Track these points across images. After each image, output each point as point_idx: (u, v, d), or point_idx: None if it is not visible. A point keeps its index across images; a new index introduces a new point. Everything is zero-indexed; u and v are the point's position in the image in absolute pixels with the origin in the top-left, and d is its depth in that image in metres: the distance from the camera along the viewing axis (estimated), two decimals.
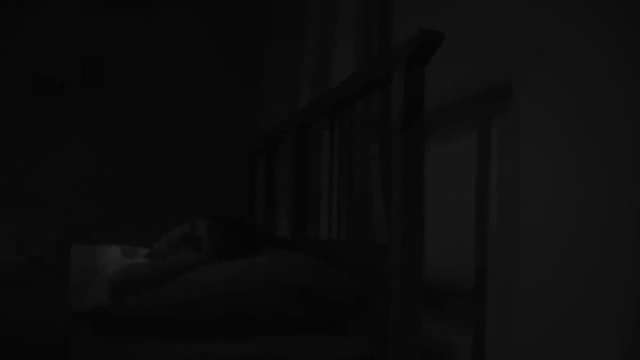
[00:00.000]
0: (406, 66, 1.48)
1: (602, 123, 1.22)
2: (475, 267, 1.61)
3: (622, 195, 1.16)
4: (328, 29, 2.49)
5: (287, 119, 2.67)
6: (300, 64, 2.80)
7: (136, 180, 3.33)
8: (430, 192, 1.67)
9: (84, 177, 3.28)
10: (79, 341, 1.52)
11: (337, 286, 1.78)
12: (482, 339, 1.58)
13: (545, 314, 1.36)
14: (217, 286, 1.71)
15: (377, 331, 1.64)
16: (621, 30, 1.19)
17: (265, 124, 3.38)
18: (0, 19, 3.24)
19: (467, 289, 1.63)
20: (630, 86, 1.16)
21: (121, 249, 2.24)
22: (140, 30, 3.38)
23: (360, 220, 2.11)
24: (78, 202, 3.20)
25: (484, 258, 1.58)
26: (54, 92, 3.29)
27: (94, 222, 2.89)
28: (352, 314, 1.75)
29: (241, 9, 3.56)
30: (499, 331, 1.52)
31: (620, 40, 1.19)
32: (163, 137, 3.40)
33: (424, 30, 1.45)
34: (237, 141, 3.49)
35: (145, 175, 3.35)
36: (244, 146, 3.46)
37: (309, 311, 1.72)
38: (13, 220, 1.95)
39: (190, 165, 3.42)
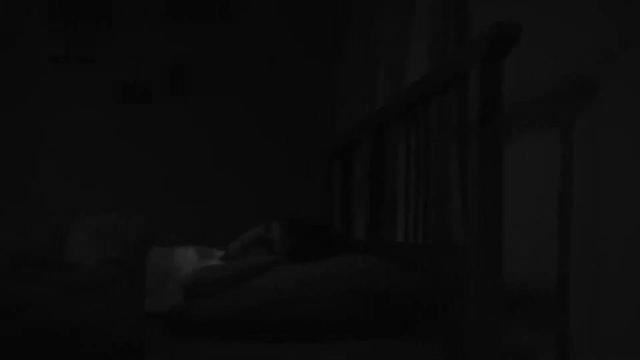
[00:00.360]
0: (481, 62, 1.42)
1: None
2: (558, 270, 1.53)
3: None
4: (404, 27, 2.44)
5: (362, 120, 2.64)
6: (377, 64, 2.76)
7: (214, 183, 3.39)
8: (509, 193, 1.60)
9: (165, 180, 3.36)
10: (152, 342, 1.54)
11: (411, 290, 1.73)
12: (565, 346, 1.49)
13: (635, 321, 1.27)
14: (289, 289, 1.70)
15: (453, 337, 1.58)
16: None
17: (342, 126, 3.36)
18: (90, 30, 3.36)
19: (549, 292, 1.55)
20: None
21: (197, 250, 2.26)
22: (222, 39, 3.46)
23: (437, 222, 2.05)
24: (159, 204, 3.28)
25: (566, 260, 1.50)
26: (142, 100, 3.39)
27: (173, 223, 2.95)
28: (426, 318, 1.69)
29: (318, 12, 3.57)
30: (583, 338, 1.43)
31: None
32: (241, 140, 3.44)
33: (500, 23, 1.38)
34: (315, 143, 3.49)
35: (223, 177, 3.40)
36: (321, 148, 3.46)
37: (382, 315, 1.68)
38: (94, 222, 2.01)
39: (268, 167, 3.45)
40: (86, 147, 3.34)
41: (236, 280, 1.83)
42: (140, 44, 3.39)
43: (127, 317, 1.51)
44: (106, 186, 3.31)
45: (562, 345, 1.51)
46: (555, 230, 1.55)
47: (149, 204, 3.22)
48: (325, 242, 2.11)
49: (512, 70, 1.53)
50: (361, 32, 3.13)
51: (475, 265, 1.42)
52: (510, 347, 1.64)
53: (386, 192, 2.44)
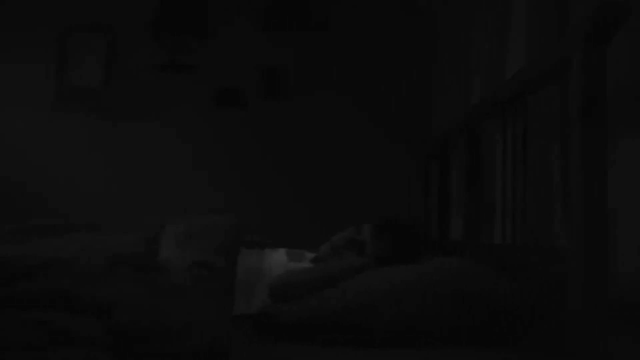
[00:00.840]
0: (585, 44, 1.31)
1: None
2: None
3: None
4: (500, 20, 2.33)
5: (458, 119, 2.54)
6: (471, 61, 2.66)
7: (307, 184, 3.38)
8: (616, 192, 1.47)
9: (258, 181, 3.38)
10: (240, 343, 1.53)
11: (509, 296, 1.63)
12: None
13: None
14: (382, 292, 1.64)
15: (555, 345, 1.47)
16: None
17: (439, 127, 3.27)
18: (191, 40, 3.44)
19: None
20: None
21: (287, 252, 2.24)
22: (318, 45, 3.46)
23: (537, 224, 1.93)
24: (252, 206, 3.30)
25: None
26: (238, 104, 3.43)
27: (265, 225, 2.95)
28: (526, 325, 1.59)
29: (409, 13, 3.50)
30: None
31: None
32: (335, 142, 3.42)
33: (606, 3, 1.27)
34: (411, 145, 3.41)
35: (316, 179, 3.39)
36: (417, 149, 3.38)
37: (479, 322, 1.59)
38: (185, 224, 2.03)
39: (362, 169, 3.40)
40: (184, 149, 3.41)
41: (326, 283, 1.79)
42: (237, 51, 3.44)
43: (215, 320, 1.50)
44: (201, 188, 3.36)
45: None
46: None
47: (242, 205, 3.25)
48: (417, 246, 2.04)
49: (617, 56, 1.40)
50: (455, 29, 3.03)
51: (579, 268, 1.31)
52: (619, 358, 1.51)
53: (484, 192, 2.33)
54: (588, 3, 1.81)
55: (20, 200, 3.30)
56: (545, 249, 1.80)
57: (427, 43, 3.50)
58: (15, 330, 1.38)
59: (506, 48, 2.22)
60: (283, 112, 3.44)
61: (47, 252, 1.79)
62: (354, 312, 1.63)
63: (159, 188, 3.39)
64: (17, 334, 1.36)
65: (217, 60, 3.45)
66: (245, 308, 1.90)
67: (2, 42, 3.48)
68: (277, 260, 2.18)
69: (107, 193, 3.38)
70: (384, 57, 3.49)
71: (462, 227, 2.49)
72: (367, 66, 3.49)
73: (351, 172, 3.40)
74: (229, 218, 2.23)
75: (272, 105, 3.43)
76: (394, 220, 2.09)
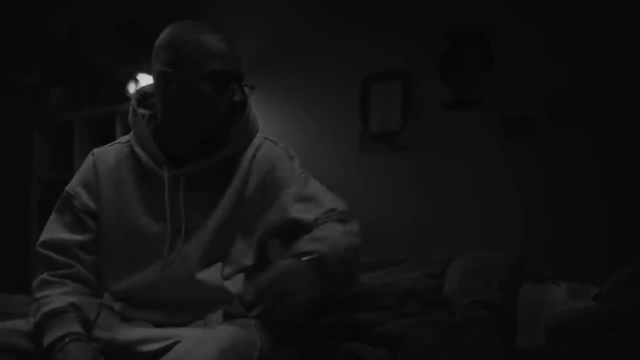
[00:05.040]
0: None
1: None
2: None
3: None
4: None
5: None
6: None
7: (593, 213, 3.23)
8: None
9: (540, 210, 3.33)
10: None
11: None
12: None
13: None
14: None
15: None
16: None
17: None
18: (471, 72, 3.61)
19: None
20: None
21: (568, 287, 2.25)
22: (602, 67, 3.32)
23: None
24: (536, 236, 3.27)
25: None
26: (525, 132, 3.47)
27: (547, 257, 2.91)
28: None
29: None
30: None
31: None
32: (629, 168, 3.24)
33: None
34: None
35: (603, 208, 3.22)
36: None
37: None
38: (468, 258, 2.19)
39: None
40: (474, 182, 3.55)
41: (604, 325, 1.79)
42: (522, 79, 3.49)
43: (488, 355, 1.65)
44: (487, 220, 3.44)
45: None
46: None
47: (528, 236, 3.25)
48: None
49: None
50: None
51: None
52: None
53: None
54: None
55: None
56: None
57: None
58: (326, 356, 1.71)
59: None
60: (570, 137, 3.38)
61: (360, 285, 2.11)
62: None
63: (449, 220, 3.59)
64: None
65: (503, 90, 3.55)
66: (525, 342, 1.99)
67: (313, 90, 4.06)
68: (558, 296, 2.21)
69: (405, 226, 3.69)
70: None
71: None
72: None
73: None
74: (512, 252, 2.33)
75: (559, 130, 3.40)
76: None
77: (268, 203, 1.85)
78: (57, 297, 1.76)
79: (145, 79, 4.31)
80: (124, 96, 4.33)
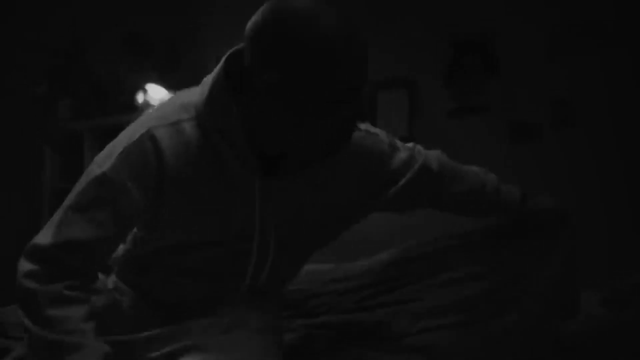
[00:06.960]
0: None
1: None
2: None
3: None
4: None
5: None
6: None
7: (600, 220, 3.22)
8: None
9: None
10: None
11: None
12: None
13: None
14: None
15: None
16: None
17: None
18: (476, 79, 3.65)
19: None
20: None
21: None
22: (603, 70, 3.36)
23: None
24: None
25: None
26: (531, 138, 3.51)
27: None
28: None
29: None
30: None
31: None
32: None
33: None
34: None
35: (606, 215, 3.23)
36: None
37: None
38: None
39: None
40: None
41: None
42: (526, 85, 3.53)
43: None
44: None
45: None
46: None
47: None
48: None
49: None
50: None
51: None
52: None
53: None
54: None
55: None
56: None
57: None
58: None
59: None
60: (575, 142, 3.41)
61: None
62: None
63: (456, 225, 3.57)
64: None
65: (508, 97, 3.59)
66: None
67: None
68: None
69: (409, 231, 3.70)
70: None
71: None
72: None
73: None
74: None
75: (565, 136, 3.43)
76: None
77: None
78: (89, 341, 1.39)
79: (153, 89, 4.36)
80: (132, 106, 4.37)
